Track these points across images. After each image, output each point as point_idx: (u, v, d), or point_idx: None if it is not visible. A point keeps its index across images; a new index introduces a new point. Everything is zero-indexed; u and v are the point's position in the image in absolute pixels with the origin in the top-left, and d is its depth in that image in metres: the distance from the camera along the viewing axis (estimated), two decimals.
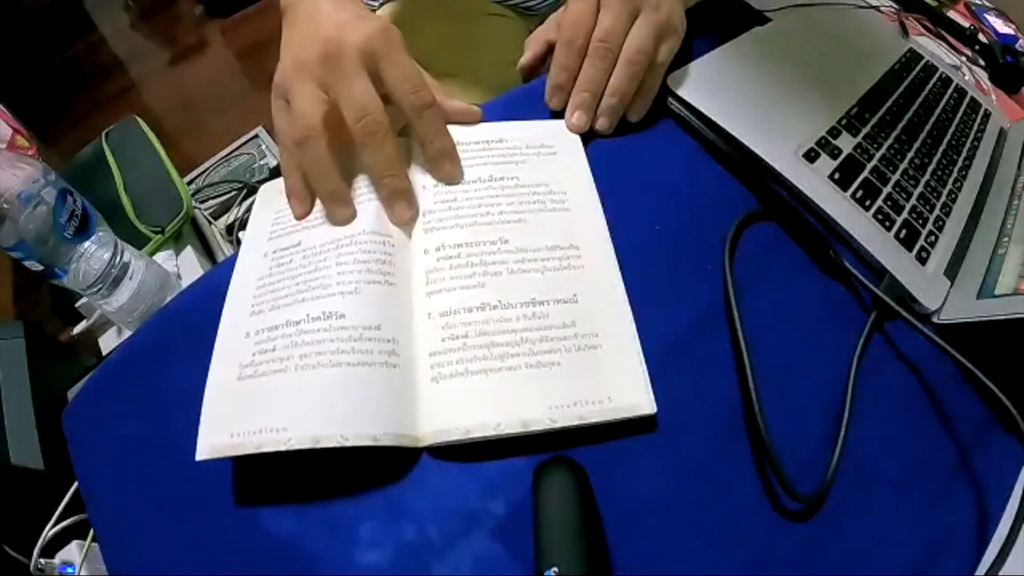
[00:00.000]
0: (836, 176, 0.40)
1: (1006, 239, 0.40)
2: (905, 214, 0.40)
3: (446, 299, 0.31)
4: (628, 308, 0.32)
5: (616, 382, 0.29)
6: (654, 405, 0.29)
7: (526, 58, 0.43)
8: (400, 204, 0.34)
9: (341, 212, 0.34)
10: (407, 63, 0.34)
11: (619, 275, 0.33)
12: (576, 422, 0.28)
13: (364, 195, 0.35)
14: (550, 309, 0.31)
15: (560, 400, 0.29)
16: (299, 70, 0.33)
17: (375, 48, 0.33)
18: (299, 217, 0.35)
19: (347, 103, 0.33)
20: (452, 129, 0.37)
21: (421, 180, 0.36)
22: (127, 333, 0.61)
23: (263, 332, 0.30)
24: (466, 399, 0.29)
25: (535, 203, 0.35)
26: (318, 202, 0.35)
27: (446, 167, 0.35)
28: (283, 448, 0.26)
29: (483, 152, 0.38)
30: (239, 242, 0.95)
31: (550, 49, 0.41)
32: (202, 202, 1.04)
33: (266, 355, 0.29)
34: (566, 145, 0.39)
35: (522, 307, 0.31)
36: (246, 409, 0.28)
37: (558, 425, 0.28)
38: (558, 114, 0.40)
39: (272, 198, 0.37)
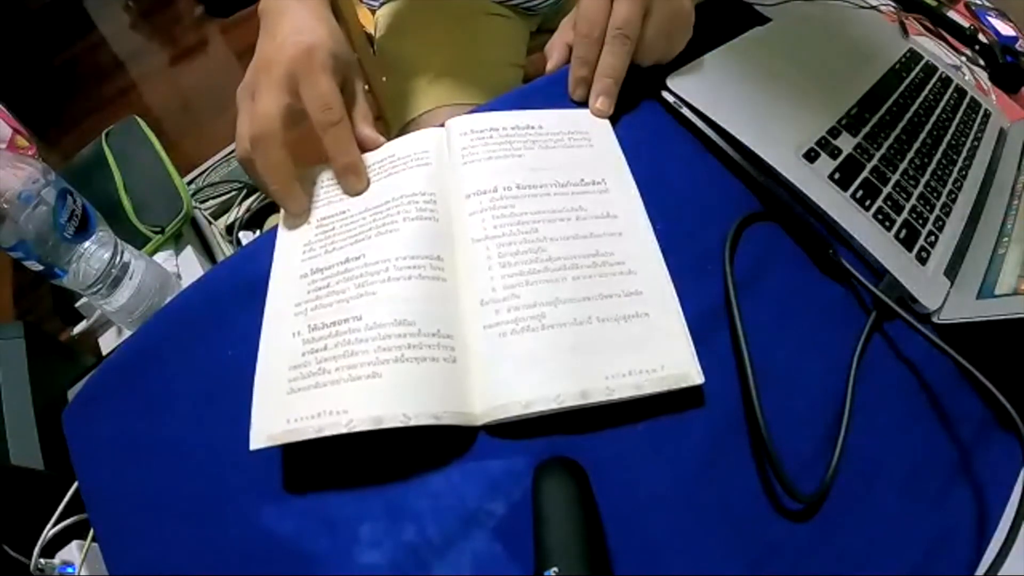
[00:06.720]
0: (836, 176, 0.40)
1: (1006, 239, 0.40)
2: (905, 214, 0.40)
3: (500, 289, 0.32)
4: (671, 283, 0.33)
5: (667, 352, 0.30)
6: (702, 375, 0.30)
7: (550, 66, 0.44)
8: (352, 177, 0.36)
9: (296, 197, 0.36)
10: (324, 84, 0.36)
11: (660, 253, 0.34)
12: (632, 392, 0.29)
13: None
14: (600, 282, 0.32)
15: (616, 370, 0.29)
16: (245, 88, 0.38)
17: (295, 70, 0.36)
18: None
19: (309, 102, 0.36)
20: (495, 115, 0.39)
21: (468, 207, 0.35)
22: (127, 333, 0.61)
23: (318, 330, 0.30)
24: (524, 374, 0.29)
25: (578, 207, 0.35)
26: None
27: (351, 180, 0.37)
28: (344, 431, 0.26)
29: (521, 137, 0.38)
30: (239, 242, 0.95)
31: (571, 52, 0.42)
32: (202, 202, 1.04)
33: (317, 355, 0.29)
34: (598, 132, 0.40)
35: (573, 281, 0.32)
36: (302, 395, 0.28)
37: (615, 396, 0.29)
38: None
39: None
